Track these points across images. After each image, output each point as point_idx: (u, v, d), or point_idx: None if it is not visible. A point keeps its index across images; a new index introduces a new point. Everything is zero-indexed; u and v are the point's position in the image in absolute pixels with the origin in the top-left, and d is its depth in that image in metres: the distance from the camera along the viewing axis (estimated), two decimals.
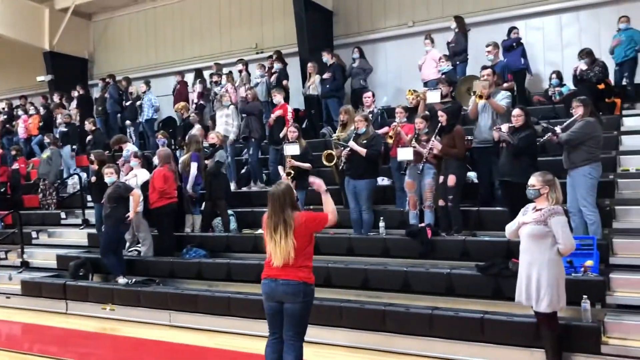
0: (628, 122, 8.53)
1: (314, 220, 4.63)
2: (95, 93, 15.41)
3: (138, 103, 12.82)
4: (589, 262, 5.82)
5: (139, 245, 8.90)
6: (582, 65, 8.78)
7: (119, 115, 13.50)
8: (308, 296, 4.56)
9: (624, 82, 9.13)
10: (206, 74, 13.24)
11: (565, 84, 9.73)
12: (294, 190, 4.76)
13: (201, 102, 12.60)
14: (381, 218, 7.67)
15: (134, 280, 8.23)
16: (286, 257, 4.45)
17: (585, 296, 5.34)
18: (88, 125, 11.89)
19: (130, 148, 9.88)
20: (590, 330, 5.21)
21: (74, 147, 12.53)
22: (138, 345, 6.82)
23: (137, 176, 8.79)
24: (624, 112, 8.76)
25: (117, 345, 6.93)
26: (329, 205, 4.71)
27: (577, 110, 6.45)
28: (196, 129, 10.16)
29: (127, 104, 13.12)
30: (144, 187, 8.67)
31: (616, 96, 8.83)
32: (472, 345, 5.63)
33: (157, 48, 15.70)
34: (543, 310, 4.87)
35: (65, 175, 12.28)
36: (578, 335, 5.20)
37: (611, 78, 9.07)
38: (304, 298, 4.51)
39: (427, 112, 7.95)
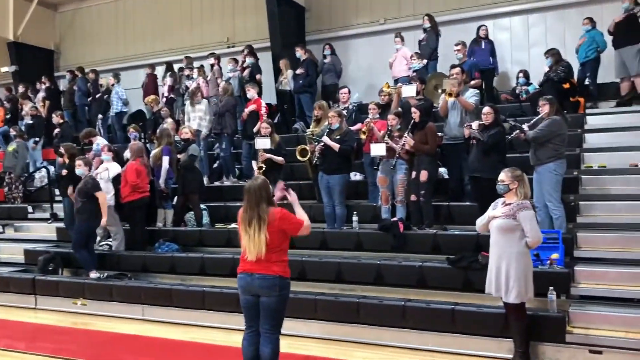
0: (591, 121, 8.81)
1: (289, 221, 4.62)
2: (62, 85, 15.13)
3: (107, 96, 12.65)
4: (555, 255, 6.04)
5: (110, 239, 8.82)
6: (546, 66, 9.06)
7: (87, 108, 13.29)
8: (284, 290, 4.61)
9: (586, 82, 9.44)
10: (176, 67, 13.14)
11: (531, 83, 10.01)
12: (270, 186, 4.82)
13: (171, 95, 12.51)
14: (354, 212, 7.78)
15: (105, 274, 8.17)
16: (259, 252, 4.49)
17: (551, 288, 5.55)
18: (56, 118, 11.67)
19: (100, 142, 9.78)
20: (556, 320, 5.42)
21: (37, 139, 12.27)
22: (110, 340, 6.77)
23: (108, 169, 8.69)
24: (588, 111, 9.05)
25: (89, 339, 6.85)
26: (303, 216, 4.75)
27: (544, 109, 6.67)
28: (167, 123, 10.10)
29: (97, 96, 12.92)
30: (116, 180, 8.59)
31: (580, 95, 9.13)
32: (443, 335, 5.79)
33: (127, 40, 15.48)
34: (512, 301, 5.06)
35: (31, 169, 12.05)
36: (544, 325, 5.39)
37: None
38: (280, 292, 4.57)
39: (399, 109, 8.11)
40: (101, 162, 8.92)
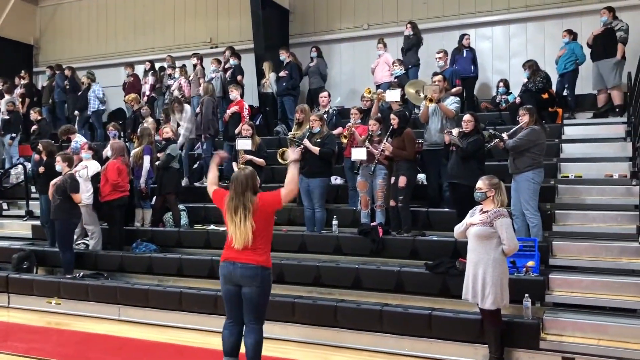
0: (568, 131, 8.96)
1: (269, 200, 4.72)
2: (41, 81, 14.92)
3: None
4: (531, 263, 6.13)
5: (87, 238, 8.72)
6: (524, 77, 9.20)
7: (65, 105, 13.13)
8: (265, 281, 4.67)
9: (565, 93, 9.60)
10: (158, 66, 13.06)
11: (511, 92, 10.15)
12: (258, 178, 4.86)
13: (153, 94, 12.44)
14: (334, 216, 7.81)
15: (81, 274, 8.07)
16: (246, 239, 4.57)
17: (526, 295, 5.63)
18: (34, 115, 11.52)
19: (79, 139, 9.67)
20: (531, 327, 5.49)
21: (13, 135, 12.07)
22: (85, 340, 6.69)
23: (87, 167, 8.59)
24: (565, 122, 9.21)
25: (63, 339, 6.76)
26: (289, 176, 4.79)
27: (524, 118, 6.76)
28: (148, 122, 10.03)
29: (79, 94, 12.76)
30: (94, 179, 8.50)
31: (558, 106, 9.28)
32: (420, 340, 5.84)
33: (108, 38, 15.32)
34: (488, 307, 5.12)
35: (7, 165, 11.86)
36: (519, 331, 5.47)
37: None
38: (261, 282, 4.63)
39: (379, 115, 8.16)
40: (80, 159, 8.82)
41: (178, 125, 10.08)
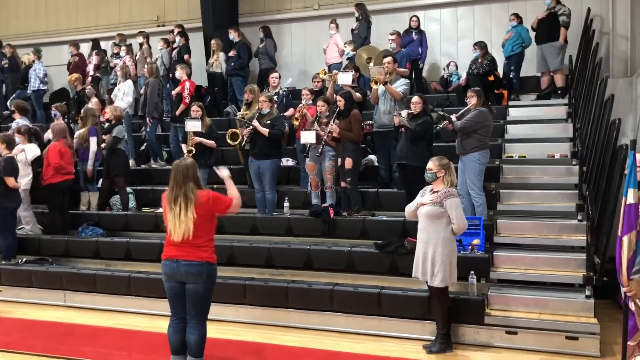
0: (513, 113, 9.18)
1: (217, 200, 4.57)
2: None
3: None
4: (476, 241, 6.31)
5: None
6: (474, 57, 9.36)
7: (4, 84, 12.57)
8: (211, 276, 4.57)
9: (511, 75, 9.83)
10: (103, 44, 12.64)
11: (459, 74, 10.30)
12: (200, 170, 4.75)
13: (97, 74, 12.04)
14: (286, 198, 7.81)
15: (24, 259, 7.81)
16: (186, 231, 4.39)
17: (472, 272, 5.82)
18: None
19: (20, 121, 9.26)
20: (476, 303, 5.68)
21: None
22: (28, 327, 6.50)
23: (24, 151, 8.23)
24: (510, 103, 9.44)
25: (5, 327, 6.53)
26: (232, 191, 4.74)
27: (471, 100, 6.90)
28: (92, 103, 9.72)
29: (19, 72, 12.23)
30: (37, 163, 8.18)
31: (504, 88, 9.49)
32: (369, 318, 5.96)
33: (49, 14, 14.66)
34: (437, 284, 5.25)
35: None
36: (465, 307, 5.64)
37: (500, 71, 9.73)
38: (206, 278, 4.52)
39: (326, 96, 8.14)
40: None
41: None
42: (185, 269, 4.49)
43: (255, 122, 7.72)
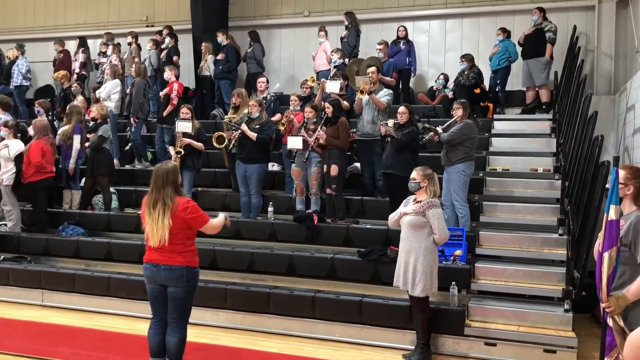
0: (498, 126, 9.27)
1: (194, 214, 4.48)
2: None
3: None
4: (458, 252, 6.34)
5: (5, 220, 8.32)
6: (461, 69, 9.46)
7: None
8: (191, 280, 4.55)
9: (497, 89, 9.94)
10: (91, 43, 12.55)
11: (447, 87, 10.39)
12: (180, 173, 4.71)
13: (83, 72, 11.95)
14: (270, 203, 7.79)
15: (2, 257, 7.71)
16: (162, 237, 4.37)
17: (453, 282, 5.84)
18: None
19: (2, 116, 9.14)
20: (456, 314, 5.71)
21: None
22: (4, 326, 6.42)
23: (8, 147, 8.15)
24: (496, 116, 9.54)
25: None
26: (216, 221, 4.73)
27: (457, 112, 6.95)
28: (78, 101, 9.63)
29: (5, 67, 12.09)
30: (19, 159, 8.08)
31: (489, 101, 9.59)
32: (350, 326, 5.96)
33: (36, 10, 14.53)
34: (417, 294, 5.26)
35: None
36: (445, 317, 5.66)
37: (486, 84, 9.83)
38: (187, 282, 4.50)
39: (314, 103, 8.16)
40: (2, 139, 8.37)
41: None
42: (165, 273, 4.47)
43: (244, 126, 7.71)
